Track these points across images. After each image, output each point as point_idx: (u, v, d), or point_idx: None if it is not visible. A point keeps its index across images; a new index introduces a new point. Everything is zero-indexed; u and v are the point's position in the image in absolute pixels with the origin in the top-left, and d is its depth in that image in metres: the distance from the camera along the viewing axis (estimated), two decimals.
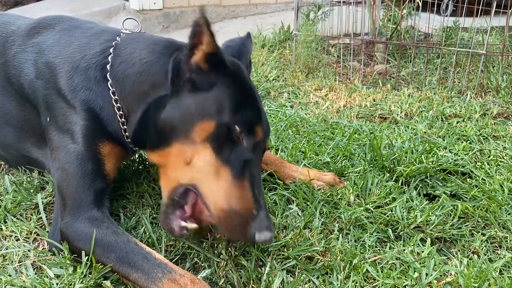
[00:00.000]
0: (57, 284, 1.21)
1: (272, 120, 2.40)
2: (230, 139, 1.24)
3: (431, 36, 3.89)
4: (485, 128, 2.37)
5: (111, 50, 1.47)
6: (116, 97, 1.42)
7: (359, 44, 3.74)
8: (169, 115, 1.31)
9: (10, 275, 1.24)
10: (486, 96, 2.88)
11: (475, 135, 2.28)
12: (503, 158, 2.05)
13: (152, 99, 1.35)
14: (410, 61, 3.37)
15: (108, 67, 1.44)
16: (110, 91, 1.43)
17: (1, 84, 1.62)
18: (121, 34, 1.54)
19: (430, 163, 1.89)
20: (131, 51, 1.44)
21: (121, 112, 1.43)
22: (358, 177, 1.81)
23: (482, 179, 1.86)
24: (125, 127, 1.44)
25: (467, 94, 2.84)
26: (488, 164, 1.98)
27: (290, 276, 1.31)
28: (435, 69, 3.25)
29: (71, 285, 1.20)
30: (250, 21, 5.38)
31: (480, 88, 2.96)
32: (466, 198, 1.73)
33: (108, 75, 1.43)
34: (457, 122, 2.46)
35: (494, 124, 2.43)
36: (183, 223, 1.25)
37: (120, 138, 1.46)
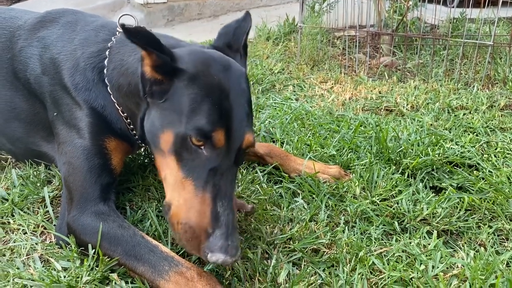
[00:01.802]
0: (64, 276, 1.22)
1: (277, 113, 2.40)
2: (189, 149, 1.17)
3: (437, 28, 3.86)
4: (492, 120, 2.35)
5: (106, 53, 1.47)
6: (115, 100, 1.44)
7: (364, 36, 3.71)
8: (147, 127, 1.29)
9: (18, 268, 1.26)
10: (493, 87, 2.85)
11: (482, 127, 2.26)
12: (511, 150, 2.03)
13: (143, 108, 1.34)
14: (416, 53, 3.35)
15: (105, 71, 1.45)
16: (111, 95, 1.44)
17: (9, 79, 1.63)
18: (117, 33, 1.53)
19: (437, 156, 1.88)
20: (121, 57, 1.43)
21: (125, 114, 1.44)
22: (364, 170, 1.81)
23: (489, 171, 1.85)
24: (131, 126, 1.46)
25: (474, 86, 2.82)
26: (495, 156, 1.97)
27: (296, 268, 1.31)
28: (441, 61, 3.22)
29: (78, 277, 1.21)
30: (255, 14, 5.33)
31: (487, 79, 2.93)
32: (473, 190, 1.72)
33: (106, 80, 1.44)
34: (464, 114, 2.44)
35: (501, 116, 2.41)
36: None
37: (126, 134, 1.47)
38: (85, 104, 1.45)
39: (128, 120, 1.46)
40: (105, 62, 1.46)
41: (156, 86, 1.23)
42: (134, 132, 1.47)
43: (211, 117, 1.16)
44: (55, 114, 1.50)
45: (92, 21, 1.64)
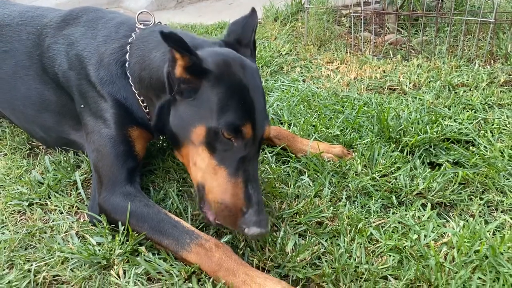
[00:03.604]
0: (99, 250, 1.40)
1: (285, 95, 2.53)
2: (221, 141, 1.34)
3: (441, 4, 3.90)
4: (491, 97, 2.44)
5: (127, 48, 1.62)
6: (136, 91, 1.59)
7: (370, 14, 3.78)
8: (173, 121, 1.45)
9: (59, 243, 1.44)
10: (495, 63, 2.93)
11: (481, 103, 2.36)
12: (506, 126, 2.14)
13: (163, 100, 1.49)
14: (421, 30, 3.42)
15: (126, 64, 1.60)
16: (132, 86, 1.59)
17: (39, 73, 1.79)
18: (136, 29, 1.66)
19: (435, 133, 2.00)
20: (142, 53, 1.57)
21: (144, 104, 1.59)
22: (366, 148, 1.94)
23: (484, 146, 1.97)
24: (149, 116, 1.61)
25: (475, 63, 2.90)
26: (491, 132, 2.08)
27: (302, 239, 1.47)
28: (445, 37, 3.29)
29: (111, 251, 1.39)
30: None
31: (489, 55, 3.00)
32: (468, 165, 1.85)
33: (128, 72, 1.59)
34: (464, 91, 2.54)
35: (500, 92, 2.50)
36: (211, 219, 1.39)
37: (146, 123, 1.63)
38: (109, 96, 1.60)
39: (147, 110, 1.61)
40: (127, 56, 1.61)
41: (184, 85, 1.38)
42: (150, 122, 1.61)
43: (239, 113, 1.34)
44: (82, 106, 1.66)
45: (112, 17, 1.77)
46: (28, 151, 2.05)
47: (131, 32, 1.65)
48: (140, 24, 1.68)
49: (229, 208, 1.32)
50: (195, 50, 1.38)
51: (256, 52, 3.19)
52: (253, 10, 1.61)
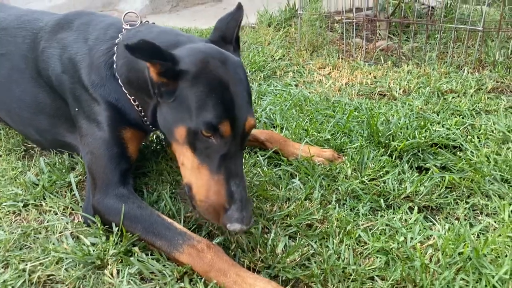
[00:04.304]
0: (93, 250, 1.42)
1: (278, 100, 2.57)
2: (201, 140, 1.35)
3: (431, 11, 3.97)
4: (478, 103, 2.50)
5: (114, 49, 1.64)
6: (127, 91, 1.62)
7: (362, 20, 3.84)
8: (160, 122, 1.49)
9: (53, 244, 1.46)
10: (484, 70, 2.99)
11: (468, 110, 2.42)
12: (492, 132, 2.19)
13: (154, 100, 1.51)
14: (412, 37, 3.48)
15: (114, 66, 1.62)
16: (122, 87, 1.62)
17: (34, 77, 1.81)
18: (123, 30, 1.68)
19: (423, 138, 2.05)
20: (127, 54, 1.54)
21: (136, 103, 1.62)
22: (356, 152, 1.99)
23: (471, 152, 2.02)
24: (143, 114, 1.63)
25: (464, 70, 2.96)
26: (478, 138, 2.14)
27: (292, 241, 1.51)
28: (435, 44, 3.36)
29: (105, 251, 1.41)
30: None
31: (478, 63, 3.07)
32: (455, 170, 1.89)
33: (116, 74, 1.62)
34: (453, 97, 2.60)
35: (487, 99, 2.56)
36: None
37: (139, 123, 1.66)
38: (102, 99, 1.63)
39: (140, 108, 1.63)
40: (114, 58, 1.63)
41: (164, 88, 1.41)
42: (145, 119, 1.64)
43: (217, 112, 1.33)
44: (76, 109, 1.69)
45: (101, 20, 1.79)
46: (23, 153, 2.07)
47: (118, 33, 1.67)
48: (127, 24, 1.69)
49: (213, 205, 1.35)
50: (175, 48, 1.41)
51: (250, 56, 3.24)
52: (239, 6, 1.61)
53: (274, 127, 2.28)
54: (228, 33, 1.59)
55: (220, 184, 1.34)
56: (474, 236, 1.51)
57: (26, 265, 1.38)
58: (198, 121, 1.34)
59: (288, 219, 1.59)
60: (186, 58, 1.39)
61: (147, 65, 1.40)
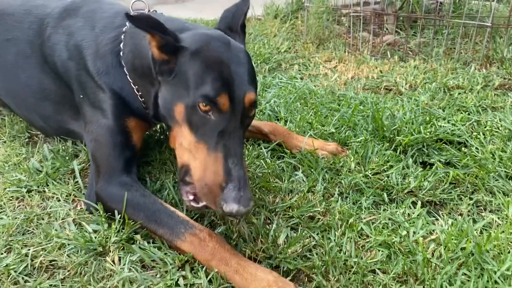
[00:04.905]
0: (95, 237, 1.43)
1: (283, 92, 2.56)
2: (199, 116, 1.33)
3: (439, 6, 3.93)
4: (485, 99, 2.48)
5: (122, 37, 1.63)
6: (131, 80, 1.61)
7: (369, 14, 3.82)
8: (161, 103, 1.47)
9: (56, 230, 1.47)
10: (491, 67, 2.97)
11: (474, 106, 2.40)
12: (498, 128, 2.18)
13: (157, 87, 1.50)
14: (419, 32, 3.45)
15: (121, 53, 1.62)
16: (127, 75, 1.61)
17: (40, 63, 1.81)
18: None
19: (428, 133, 2.04)
20: (134, 41, 1.59)
21: (140, 93, 1.61)
22: (360, 146, 1.98)
23: (476, 148, 2.01)
24: (145, 105, 1.63)
25: (471, 66, 2.93)
26: (483, 134, 2.12)
27: (294, 232, 1.51)
28: (443, 40, 3.33)
29: (107, 238, 1.42)
30: None
31: (485, 59, 3.05)
32: (459, 166, 1.88)
33: (122, 62, 1.61)
34: (459, 93, 2.58)
35: (494, 96, 2.54)
36: (192, 201, 1.38)
37: (143, 113, 1.65)
38: (107, 87, 1.62)
39: (143, 99, 1.62)
40: (121, 45, 1.63)
41: (164, 65, 1.41)
42: (148, 110, 1.63)
43: (214, 85, 1.32)
44: (81, 96, 1.69)
45: (109, 8, 1.79)
46: (27, 139, 2.07)
47: (124, 22, 1.66)
48: (135, 12, 1.68)
49: (209, 185, 1.30)
50: (180, 32, 1.41)
51: (255, 48, 3.22)
52: None
53: (278, 119, 2.28)
54: (234, 23, 1.60)
55: (217, 162, 1.31)
56: (477, 232, 1.50)
57: (29, 250, 1.38)
58: (195, 95, 1.33)
59: (290, 210, 1.59)
60: (188, 38, 1.41)
61: (149, 46, 1.40)
